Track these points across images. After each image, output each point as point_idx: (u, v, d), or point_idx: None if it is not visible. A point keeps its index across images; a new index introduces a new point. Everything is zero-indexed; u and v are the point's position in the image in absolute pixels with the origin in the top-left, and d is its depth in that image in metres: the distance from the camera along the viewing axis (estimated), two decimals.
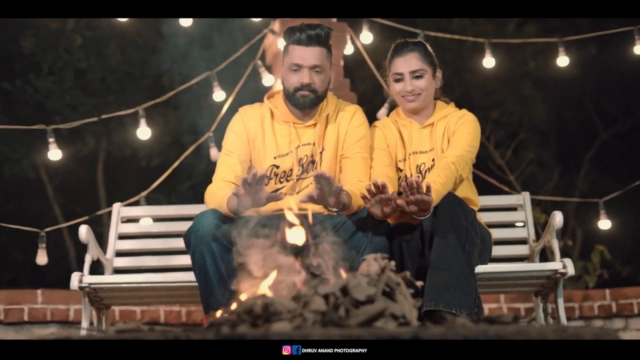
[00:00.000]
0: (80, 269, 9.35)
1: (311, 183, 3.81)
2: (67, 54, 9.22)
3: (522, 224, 4.52)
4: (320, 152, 3.84)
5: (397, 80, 3.94)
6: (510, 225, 4.51)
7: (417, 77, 3.92)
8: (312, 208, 3.77)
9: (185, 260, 4.42)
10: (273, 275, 2.49)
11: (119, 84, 9.54)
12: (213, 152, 5.68)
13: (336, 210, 3.56)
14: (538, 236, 4.48)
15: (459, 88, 11.17)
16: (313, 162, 3.84)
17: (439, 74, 4.01)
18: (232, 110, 6.22)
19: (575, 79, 11.39)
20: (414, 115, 4.01)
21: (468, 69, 10.67)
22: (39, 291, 5.65)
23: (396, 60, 3.95)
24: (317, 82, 3.78)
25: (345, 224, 3.65)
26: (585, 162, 11.54)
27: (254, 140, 3.86)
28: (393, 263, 2.53)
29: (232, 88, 5.84)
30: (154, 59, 9.49)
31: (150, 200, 5.52)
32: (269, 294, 2.39)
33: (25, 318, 5.57)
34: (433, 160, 3.93)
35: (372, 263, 2.54)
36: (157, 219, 4.57)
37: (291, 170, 3.83)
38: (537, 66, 10.93)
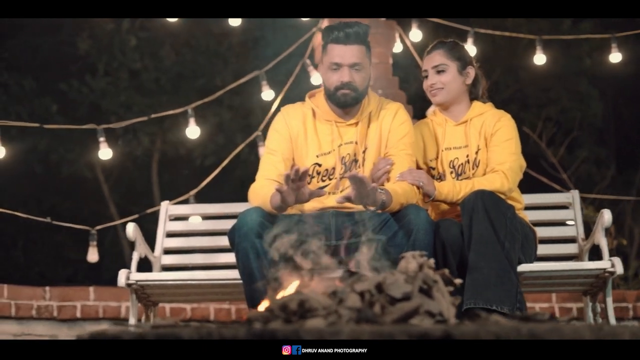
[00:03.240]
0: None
1: None
2: (121, 55, 9.36)
3: (572, 222, 4.47)
4: (363, 151, 3.83)
5: (425, 78, 4.05)
6: (561, 223, 4.46)
7: (440, 72, 3.99)
8: (356, 207, 3.79)
9: (232, 257, 4.45)
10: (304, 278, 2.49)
11: (172, 85, 9.64)
12: (262, 150, 5.68)
13: (374, 209, 3.54)
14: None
15: (514, 85, 11.09)
16: (356, 161, 3.83)
17: (470, 70, 4.02)
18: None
19: (633, 76, 11.23)
20: (448, 113, 4.05)
21: (523, 66, 10.57)
22: (91, 288, 5.73)
23: (424, 60, 4.09)
24: (357, 80, 3.78)
25: (389, 222, 3.64)
26: None
27: (296, 139, 3.86)
28: (432, 261, 2.51)
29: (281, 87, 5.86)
30: (206, 59, 9.58)
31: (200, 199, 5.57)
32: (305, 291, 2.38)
33: (78, 315, 5.65)
34: (467, 156, 3.93)
35: (411, 260, 2.52)
36: (204, 217, 4.60)
37: (334, 168, 3.83)
38: (593, 63, 10.78)
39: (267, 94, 5.67)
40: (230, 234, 3.62)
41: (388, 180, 3.78)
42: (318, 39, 6.15)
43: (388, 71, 6.05)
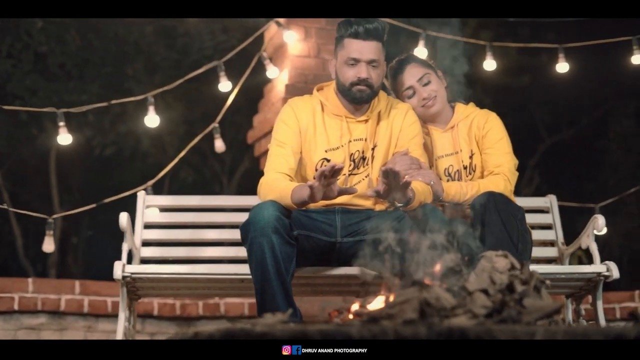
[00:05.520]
0: (27, 256, 8.98)
1: (363, 179, 3.77)
2: (27, 37, 8.94)
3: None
4: (372, 149, 3.79)
5: (411, 96, 4.01)
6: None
7: (427, 84, 4.00)
8: (365, 204, 3.76)
9: (214, 252, 4.35)
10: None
11: (78, 70, 9.30)
12: (218, 143, 5.56)
13: (401, 205, 3.52)
14: None
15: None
16: (364, 158, 3.79)
17: (440, 73, 4.07)
18: (237, 102, 6.14)
19: (525, 87, 11.60)
20: (434, 122, 4.04)
21: None
22: (29, 280, 5.47)
23: (400, 78, 4.03)
24: (373, 76, 3.74)
25: (402, 220, 3.61)
26: (529, 168, 11.76)
27: (305, 132, 3.78)
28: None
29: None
30: (116, 46, 9.29)
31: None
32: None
33: (15, 307, 5.38)
34: (462, 162, 3.97)
35: (497, 259, 2.51)
36: (182, 209, 4.44)
37: (342, 164, 3.77)
38: (491, 72, 11.04)
39: (225, 85, 5.53)
40: (244, 227, 3.50)
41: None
42: (271, 31, 6.07)
43: None
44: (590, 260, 4.30)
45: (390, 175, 3.34)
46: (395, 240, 3.53)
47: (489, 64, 6.09)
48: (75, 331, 5.46)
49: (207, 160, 10.86)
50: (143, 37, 9.20)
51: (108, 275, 3.71)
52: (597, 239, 4.15)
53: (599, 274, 3.90)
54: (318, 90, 3.90)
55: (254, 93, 7.45)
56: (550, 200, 4.49)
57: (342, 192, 3.41)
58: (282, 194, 3.51)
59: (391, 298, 2.26)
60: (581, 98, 11.99)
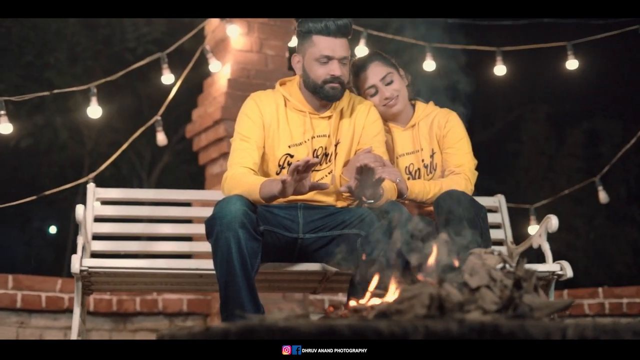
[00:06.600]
0: None
1: (326, 175, 3.77)
2: None
3: None
4: (335, 145, 3.79)
5: (374, 94, 4.01)
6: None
7: (389, 83, 4.00)
8: (327, 200, 3.75)
9: (167, 247, 4.28)
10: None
11: None
12: (160, 136, 5.46)
13: (371, 201, 3.52)
14: None
15: None
16: (327, 154, 3.78)
17: (402, 72, 4.09)
18: (180, 94, 6.03)
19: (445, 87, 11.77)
20: (395, 120, 4.06)
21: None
22: None
23: (363, 76, 4.02)
24: (344, 74, 3.74)
25: (366, 217, 3.61)
26: None
27: (269, 127, 3.75)
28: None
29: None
30: (37, 35, 9.06)
31: None
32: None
33: None
34: (423, 161, 4.00)
35: (487, 257, 2.53)
36: (134, 203, 4.35)
37: (317, 159, 3.74)
38: (414, 72, 11.17)
39: (167, 77, 5.44)
40: (210, 222, 3.45)
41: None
42: (212, 25, 6.01)
43: (284, 64, 6.01)
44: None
45: (364, 172, 3.34)
46: (361, 236, 3.57)
47: (429, 65, 6.14)
48: (7, 327, 5.30)
49: (125, 154, 10.67)
50: (65, 27, 8.99)
51: (18, 269, 3.60)
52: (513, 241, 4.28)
53: (552, 272, 3.97)
54: (281, 84, 3.88)
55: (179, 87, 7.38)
56: (499, 200, 4.57)
57: (313, 187, 3.40)
58: (250, 189, 3.47)
59: (393, 294, 2.26)
60: (495, 101, 12.25)
